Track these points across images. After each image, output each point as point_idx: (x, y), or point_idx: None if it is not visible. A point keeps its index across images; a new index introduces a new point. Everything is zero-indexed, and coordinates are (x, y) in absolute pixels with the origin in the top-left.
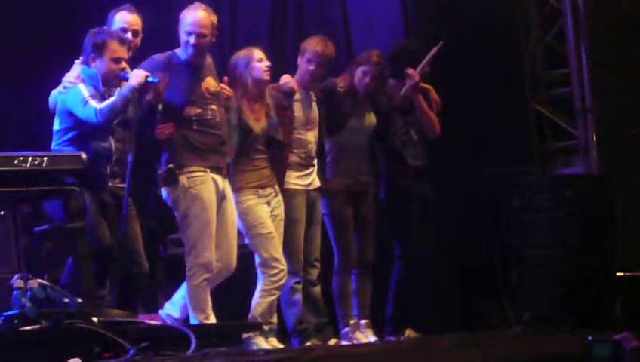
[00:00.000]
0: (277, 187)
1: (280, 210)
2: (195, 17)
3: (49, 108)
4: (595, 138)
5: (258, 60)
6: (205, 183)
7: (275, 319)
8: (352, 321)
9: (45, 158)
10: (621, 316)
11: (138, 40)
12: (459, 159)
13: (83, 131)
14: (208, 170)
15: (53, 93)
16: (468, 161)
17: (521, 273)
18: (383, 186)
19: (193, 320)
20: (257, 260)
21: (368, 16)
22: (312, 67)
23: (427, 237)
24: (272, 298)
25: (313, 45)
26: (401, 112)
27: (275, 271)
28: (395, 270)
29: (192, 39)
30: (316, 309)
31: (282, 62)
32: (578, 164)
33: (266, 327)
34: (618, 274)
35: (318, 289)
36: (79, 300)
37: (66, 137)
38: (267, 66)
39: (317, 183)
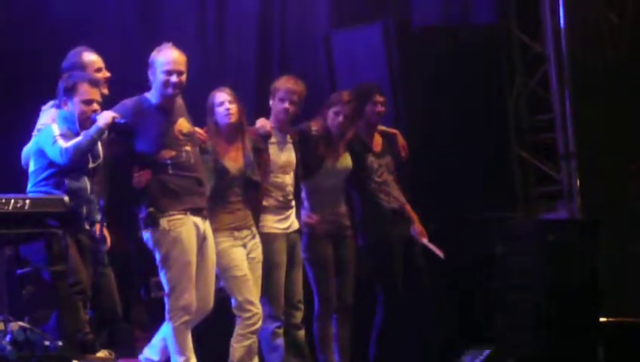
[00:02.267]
0: (254, 229)
1: (257, 253)
2: (170, 56)
3: (22, 164)
4: (578, 183)
5: (219, 105)
6: (185, 226)
7: None
8: None
9: (28, 201)
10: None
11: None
12: (441, 204)
13: (56, 171)
14: (188, 213)
15: (25, 149)
16: (451, 206)
17: (505, 318)
18: (361, 232)
19: None
20: (233, 303)
21: (353, 59)
22: (285, 105)
23: (418, 276)
24: (249, 342)
25: (284, 83)
26: (374, 154)
27: (249, 314)
28: (378, 313)
29: (174, 77)
30: (301, 354)
31: (267, 104)
32: (561, 209)
33: None
34: (601, 319)
35: (302, 333)
36: (60, 343)
37: (40, 177)
38: (227, 109)
39: (296, 225)
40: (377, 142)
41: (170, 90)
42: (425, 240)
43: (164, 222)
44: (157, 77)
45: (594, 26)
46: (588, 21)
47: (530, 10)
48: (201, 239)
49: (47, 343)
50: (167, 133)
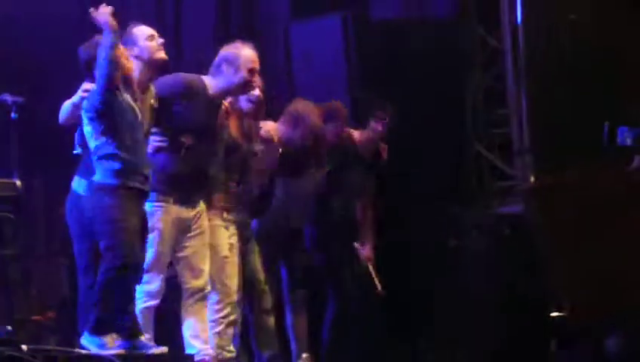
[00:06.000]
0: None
1: (235, 240)
2: (253, 56)
3: (59, 121)
4: (532, 178)
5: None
6: (166, 215)
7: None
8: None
9: None
10: (555, 355)
11: None
12: (396, 196)
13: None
14: (171, 201)
15: (66, 104)
16: (405, 198)
17: (458, 310)
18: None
19: None
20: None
21: (311, 50)
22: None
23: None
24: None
25: None
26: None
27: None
28: (329, 305)
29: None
30: (270, 342)
31: None
32: (516, 204)
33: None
34: (553, 314)
35: (271, 319)
36: (9, 328)
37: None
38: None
39: None
40: None
41: (247, 89)
42: (370, 266)
43: (146, 207)
44: (234, 73)
45: (551, 22)
46: (545, 17)
47: (489, 5)
48: (185, 229)
49: None
50: (202, 120)
